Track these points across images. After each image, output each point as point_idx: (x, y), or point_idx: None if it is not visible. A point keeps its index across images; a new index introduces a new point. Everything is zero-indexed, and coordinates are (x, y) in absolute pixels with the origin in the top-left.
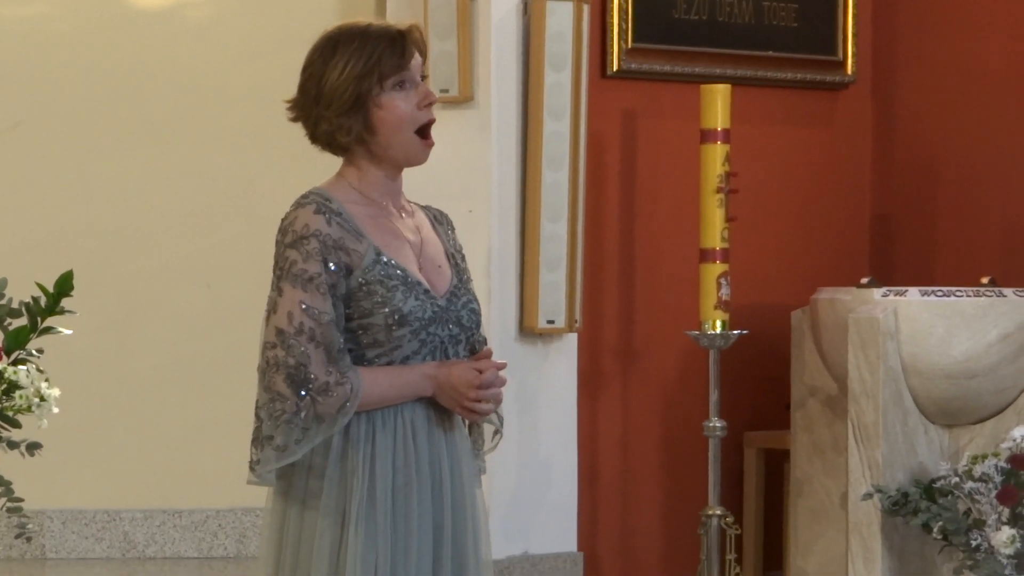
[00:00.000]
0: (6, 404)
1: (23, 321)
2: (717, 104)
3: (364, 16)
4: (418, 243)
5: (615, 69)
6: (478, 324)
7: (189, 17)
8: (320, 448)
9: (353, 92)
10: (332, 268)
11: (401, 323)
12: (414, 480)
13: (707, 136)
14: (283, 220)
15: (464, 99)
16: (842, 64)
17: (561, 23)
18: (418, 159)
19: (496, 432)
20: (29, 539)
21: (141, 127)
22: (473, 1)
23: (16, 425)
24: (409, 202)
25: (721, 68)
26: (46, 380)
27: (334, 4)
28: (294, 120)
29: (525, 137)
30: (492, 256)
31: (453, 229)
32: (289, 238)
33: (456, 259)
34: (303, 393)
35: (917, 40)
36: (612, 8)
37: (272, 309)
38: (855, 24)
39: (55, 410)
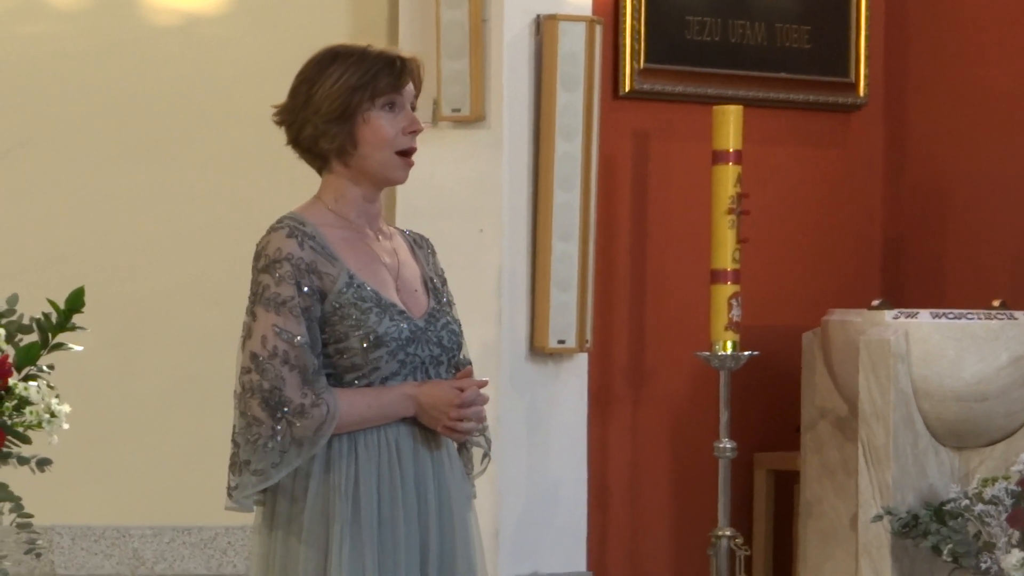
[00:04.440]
0: (16, 420)
1: (34, 337)
2: (729, 125)
3: (377, 36)
4: (395, 266)
5: (627, 90)
6: (459, 345)
7: (199, 36)
8: (301, 471)
9: (344, 102)
10: (305, 291)
11: (377, 344)
12: (400, 500)
13: (719, 157)
14: (257, 245)
15: (476, 119)
16: (854, 86)
17: (573, 43)
18: (396, 176)
19: (485, 455)
20: (39, 555)
21: (150, 145)
22: (485, 21)
23: (26, 441)
24: (388, 226)
25: (733, 89)
26: (56, 396)
27: (346, 24)
28: (279, 123)
29: (537, 157)
30: (503, 276)
31: (434, 253)
32: (262, 262)
33: (435, 283)
34: (279, 416)
35: (929, 63)
36: (625, 29)
37: (247, 334)
38: (867, 46)
39: (65, 426)
